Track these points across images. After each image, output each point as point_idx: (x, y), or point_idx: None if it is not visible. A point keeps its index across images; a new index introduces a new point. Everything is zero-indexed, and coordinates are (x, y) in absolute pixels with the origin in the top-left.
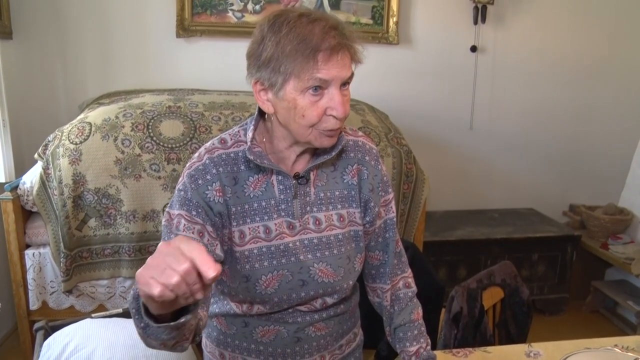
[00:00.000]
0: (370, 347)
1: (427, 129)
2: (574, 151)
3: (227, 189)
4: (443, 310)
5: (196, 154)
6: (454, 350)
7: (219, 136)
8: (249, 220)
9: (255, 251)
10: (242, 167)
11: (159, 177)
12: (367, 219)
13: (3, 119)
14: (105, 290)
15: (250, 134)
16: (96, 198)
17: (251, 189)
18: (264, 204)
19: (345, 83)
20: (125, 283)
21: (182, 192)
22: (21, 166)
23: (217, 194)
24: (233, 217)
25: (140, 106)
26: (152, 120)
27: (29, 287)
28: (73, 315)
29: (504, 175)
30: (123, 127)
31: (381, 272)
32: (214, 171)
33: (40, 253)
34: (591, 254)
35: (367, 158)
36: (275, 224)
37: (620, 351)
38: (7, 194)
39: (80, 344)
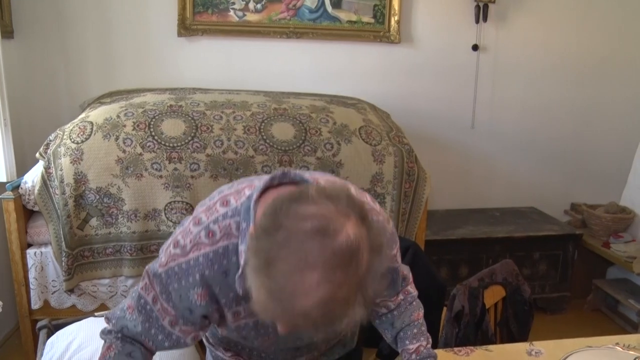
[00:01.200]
0: (372, 345)
1: (429, 127)
2: (576, 150)
3: (217, 287)
4: (444, 309)
5: (181, 240)
6: (456, 349)
7: (207, 224)
8: (243, 302)
9: (250, 324)
10: (234, 259)
11: (161, 176)
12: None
13: (4, 118)
14: (107, 290)
15: (243, 255)
16: (98, 197)
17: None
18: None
19: None
20: (127, 282)
21: (164, 282)
22: (22, 165)
23: (200, 298)
24: (225, 304)
25: (142, 105)
26: (154, 120)
27: (31, 286)
28: (75, 315)
29: (506, 174)
30: (124, 126)
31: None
32: (197, 277)
33: (41, 252)
34: (593, 252)
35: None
36: None
37: (621, 349)
38: (9, 193)
39: (84, 342)
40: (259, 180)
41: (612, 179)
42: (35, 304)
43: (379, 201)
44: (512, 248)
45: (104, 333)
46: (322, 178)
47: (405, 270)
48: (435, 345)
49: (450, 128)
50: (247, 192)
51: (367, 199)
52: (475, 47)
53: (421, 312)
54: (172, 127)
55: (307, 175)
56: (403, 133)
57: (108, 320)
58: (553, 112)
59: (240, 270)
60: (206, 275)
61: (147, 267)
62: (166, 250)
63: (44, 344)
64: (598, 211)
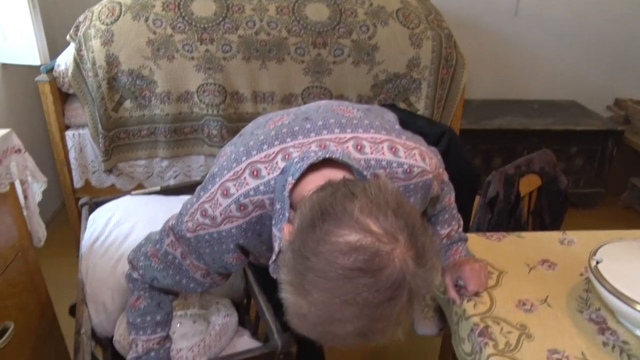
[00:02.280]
0: None
1: (469, 12)
2: (624, 41)
3: (249, 247)
4: (477, 197)
5: (210, 211)
6: (488, 234)
7: (237, 197)
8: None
9: None
10: (268, 222)
11: (192, 58)
12: None
13: (33, 0)
14: (144, 170)
15: (276, 247)
16: (130, 79)
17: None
18: None
19: None
20: (162, 163)
21: (194, 245)
22: (54, 48)
23: (235, 260)
24: (258, 251)
25: None
26: (183, 0)
27: (72, 166)
28: (114, 193)
29: (547, 65)
30: (154, 6)
31: None
32: (232, 245)
33: (79, 134)
34: (633, 149)
35: (418, 196)
36: None
37: None
38: (44, 76)
39: (123, 218)
40: (290, 133)
41: None
42: (77, 183)
43: (414, 87)
44: (548, 141)
45: (131, 280)
46: (374, 157)
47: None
48: (466, 231)
49: (492, 13)
50: (280, 163)
51: (416, 157)
52: None
53: (452, 196)
54: (203, 7)
55: (355, 152)
56: (442, 17)
57: (132, 265)
58: None
59: (274, 256)
60: (241, 243)
61: (168, 223)
62: (192, 216)
63: (87, 219)
64: None
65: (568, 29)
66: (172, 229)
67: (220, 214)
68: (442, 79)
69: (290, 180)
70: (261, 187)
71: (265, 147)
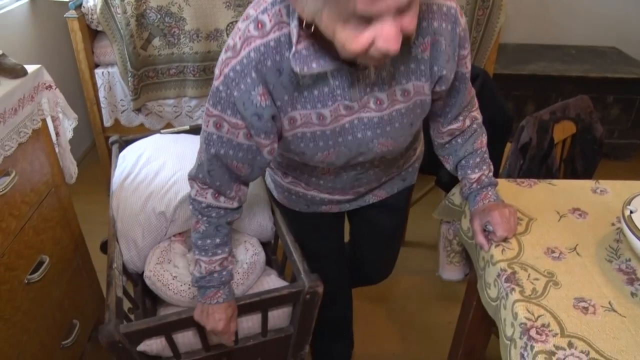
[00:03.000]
0: (431, 172)
1: None
2: None
3: (271, 85)
4: (508, 142)
5: (231, 42)
6: (519, 180)
7: (255, 15)
8: (299, 107)
9: (308, 134)
10: (287, 54)
11: None
12: (442, 88)
13: None
14: (172, 110)
15: (295, 32)
16: (159, 17)
17: (300, 77)
18: (316, 92)
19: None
20: (191, 102)
21: (224, 94)
22: None
23: (262, 98)
24: (281, 108)
25: None
26: None
27: (102, 105)
28: (143, 132)
29: (588, 8)
30: None
31: (447, 113)
32: (254, 74)
33: (109, 72)
34: None
35: (443, 25)
36: (330, 111)
37: None
38: (73, 12)
39: (152, 155)
40: None
41: None
42: (107, 122)
43: None
44: (584, 89)
45: (190, 202)
46: None
47: (473, 92)
48: (496, 176)
49: None
50: None
51: None
52: None
53: (484, 139)
54: None
55: None
56: None
57: (191, 179)
58: None
59: (294, 48)
60: (261, 71)
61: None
62: (219, 61)
63: (117, 157)
64: None
65: None
66: (206, 107)
67: (240, 38)
68: (478, 20)
69: None
70: (276, 4)
71: None
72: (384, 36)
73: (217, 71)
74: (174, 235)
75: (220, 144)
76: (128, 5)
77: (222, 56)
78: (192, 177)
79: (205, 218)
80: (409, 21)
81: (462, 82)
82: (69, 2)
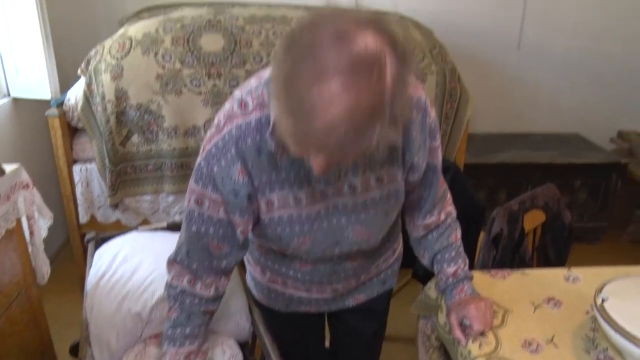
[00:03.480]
0: (407, 266)
1: (473, 46)
2: (628, 73)
3: (250, 163)
4: (482, 232)
5: (216, 120)
6: (492, 271)
7: (240, 96)
8: (277, 188)
9: (285, 217)
10: (267, 135)
11: (200, 93)
12: (414, 177)
13: (46, 34)
14: (150, 206)
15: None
16: (138, 114)
17: (278, 157)
18: (292, 173)
19: None
20: (169, 198)
21: (205, 170)
22: (65, 82)
23: (241, 175)
24: (259, 189)
25: (180, 20)
26: (192, 35)
27: (78, 201)
28: (119, 229)
29: (550, 98)
30: (163, 41)
31: (422, 206)
32: (233, 150)
33: (87, 168)
34: (637, 183)
35: (414, 114)
36: (306, 194)
37: None
38: (54, 110)
39: (129, 254)
40: None
41: None
42: (83, 218)
43: None
44: (552, 175)
45: (166, 288)
46: None
47: (445, 185)
48: (471, 267)
49: (496, 48)
50: None
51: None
52: None
53: (459, 233)
54: (211, 42)
55: None
56: (446, 51)
57: (168, 263)
58: (607, 31)
59: (270, 127)
60: (240, 148)
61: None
62: (204, 139)
63: (92, 255)
64: None
65: (570, 62)
66: (190, 180)
67: (224, 116)
68: (447, 114)
69: None
70: (262, 81)
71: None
72: (316, 165)
73: (201, 148)
74: (149, 337)
75: (201, 222)
76: (108, 103)
77: (207, 133)
78: (170, 261)
79: (178, 304)
80: (346, 159)
81: (435, 174)
82: (50, 100)
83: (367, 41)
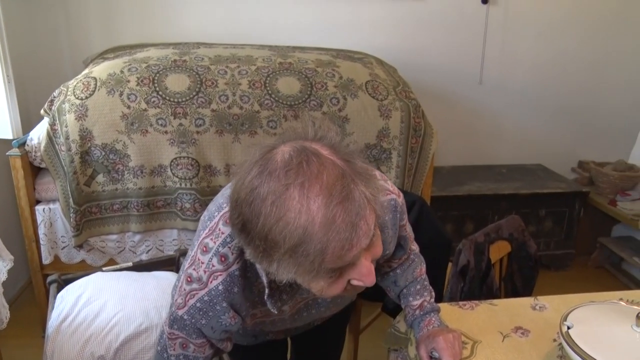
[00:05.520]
0: (376, 300)
1: (436, 83)
2: (585, 106)
3: (238, 304)
4: (449, 264)
5: (194, 273)
6: (460, 303)
7: (215, 248)
8: (259, 306)
9: (267, 322)
10: (249, 274)
11: (166, 132)
12: (387, 255)
13: (8, 74)
14: (115, 245)
15: (266, 283)
16: (103, 154)
17: (262, 287)
18: (279, 302)
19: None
20: (135, 237)
21: (189, 322)
22: (28, 122)
23: (232, 320)
24: (243, 314)
25: (146, 60)
26: (158, 75)
27: (41, 242)
28: (84, 269)
29: (513, 131)
30: (128, 81)
31: (390, 259)
32: (224, 304)
33: (50, 208)
34: (599, 210)
35: (387, 218)
36: (290, 306)
37: (625, 304)
38: (16, 150)
39: (93, 296)
40: None
41: (620, 136)
42: (46, 259)
43: (385, 156)
44: (518, 205)
45: None
46: None
47: (410, 232)
48: (440, 300)
49: (458, 83)
50: None
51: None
52: (484, 0)
53: (424, 267)
54: (177, 82)
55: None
56: (410, 88)
57: None
58: (563, 67)
59: (267, 290)
60: (229, 298)
61: (161, 326)
62: (180, 290)
63: (55, 297)
64: (606, 169)
65: (530, 96)
66: (165, 324)
67: (205, 272)
68: (412, 148)
69: None
70: (234, 236)
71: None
72: (358, 275)
73: (179, 300)
74: None
75: None
76: (73, 143)
77: (185, 286)
78: None
79: None
80: (376, 250)
81: (404, 241)
82: (12, 140)
83: (283, 150)
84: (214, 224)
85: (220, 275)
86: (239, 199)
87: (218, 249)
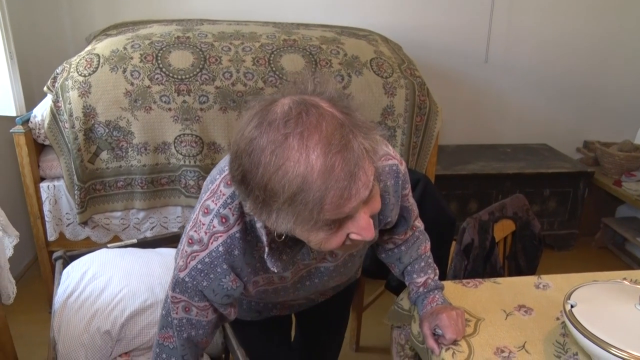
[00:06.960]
0: (380, 277)
1: (441, 61)
2: (592, 86)
3: (239, 269)
4: (454, 242)
5: (195, 235)
6: (464, 281)
7: (217, 210)
8: (261, 272)
9: (270, 290)
10: (249, 238)
11: (170, 109)
12: (390, 224)
13: (10, 51)
14: (120, 222)
15: (265, 240)
16: (107, 131)
17: (262, 250)
18: (279, 262)
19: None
20: (139, 214)
21: (190, 284)
22: (31, 99)
23: (233, 283)
24: (246, 280)
25: (149, 37)
26: (161, 51)
27: (46, 219)
28: (89, 246)
29: (518, 110)
30: (132, 58)
31: (393, 232)
32: (225, 266)
33: (54, 186)
34: (603, 190)
35: (388, 183)
36: (292, 273)
37: (628, 284)
38: (19, 127)
39: (98, 272)
40: None
41: (627, 116)
42: (51, 236)
43: (389, 134)
44: (522, 184)
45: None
46: None
47: (414, 205)
48: (443, 278)
49: (464, 62)
50: None
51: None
52: None
53: (428, 245)
54: (180, 59)
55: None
56: (415, 65)
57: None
58: (570, 45)
59: (267, 249)
60: (230, 260)
61: (166, 293)
62: (182, 253)
63: (60, 273)
64: (611, 149)
65: (536, 75)
66: (169, 288)
67: (206, 233)
68: (417, 126)
69: None
70: (235, 197)
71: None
72: (357, 229)
73: (180, 262)
74: (119, 355)
75: (190, 327)
76: (76, 120)
77: (186, 249)
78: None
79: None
80: (375, 205)
81: (407, 213)
82: (16, 117)
83: (283, 102)
84: (215, 186)
85: (221, 236)
86: (238, 150)
87: (219, 210)
